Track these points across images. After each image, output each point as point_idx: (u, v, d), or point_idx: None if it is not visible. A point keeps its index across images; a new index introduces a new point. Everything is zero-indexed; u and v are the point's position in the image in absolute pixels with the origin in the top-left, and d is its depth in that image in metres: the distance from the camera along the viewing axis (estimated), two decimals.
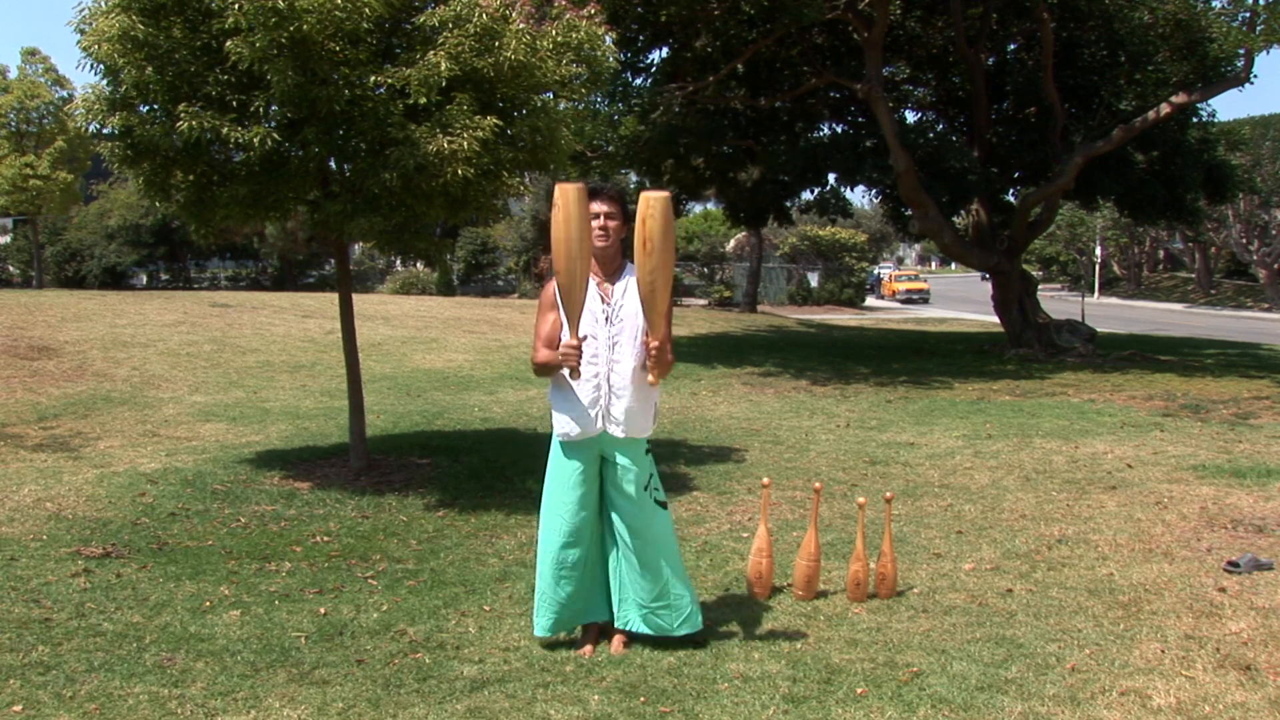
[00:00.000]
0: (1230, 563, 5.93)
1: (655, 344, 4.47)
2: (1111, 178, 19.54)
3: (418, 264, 45.87)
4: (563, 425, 4.69)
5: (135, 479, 8.14)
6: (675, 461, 9.06)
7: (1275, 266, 46.84)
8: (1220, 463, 8.88)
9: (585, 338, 4.54)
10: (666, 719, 4.05)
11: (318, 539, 6.61)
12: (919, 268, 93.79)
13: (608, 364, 4.64)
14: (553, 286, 4.54)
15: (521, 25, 7.35)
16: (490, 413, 11.94)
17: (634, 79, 20.06)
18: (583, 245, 4.36)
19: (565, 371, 4.57)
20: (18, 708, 4.11)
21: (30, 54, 36.34)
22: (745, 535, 6.62)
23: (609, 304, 4.66)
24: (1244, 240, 46.91)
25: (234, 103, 7.15)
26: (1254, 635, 4.90)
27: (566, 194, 4.33)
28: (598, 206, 4.61)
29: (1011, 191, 22.66)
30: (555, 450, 4.79)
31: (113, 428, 10.40)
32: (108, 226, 42.76)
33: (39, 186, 34.60)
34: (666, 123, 18.80)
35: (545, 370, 4.71)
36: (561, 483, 4.75)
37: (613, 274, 4.73)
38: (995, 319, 22.58)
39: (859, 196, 68.25)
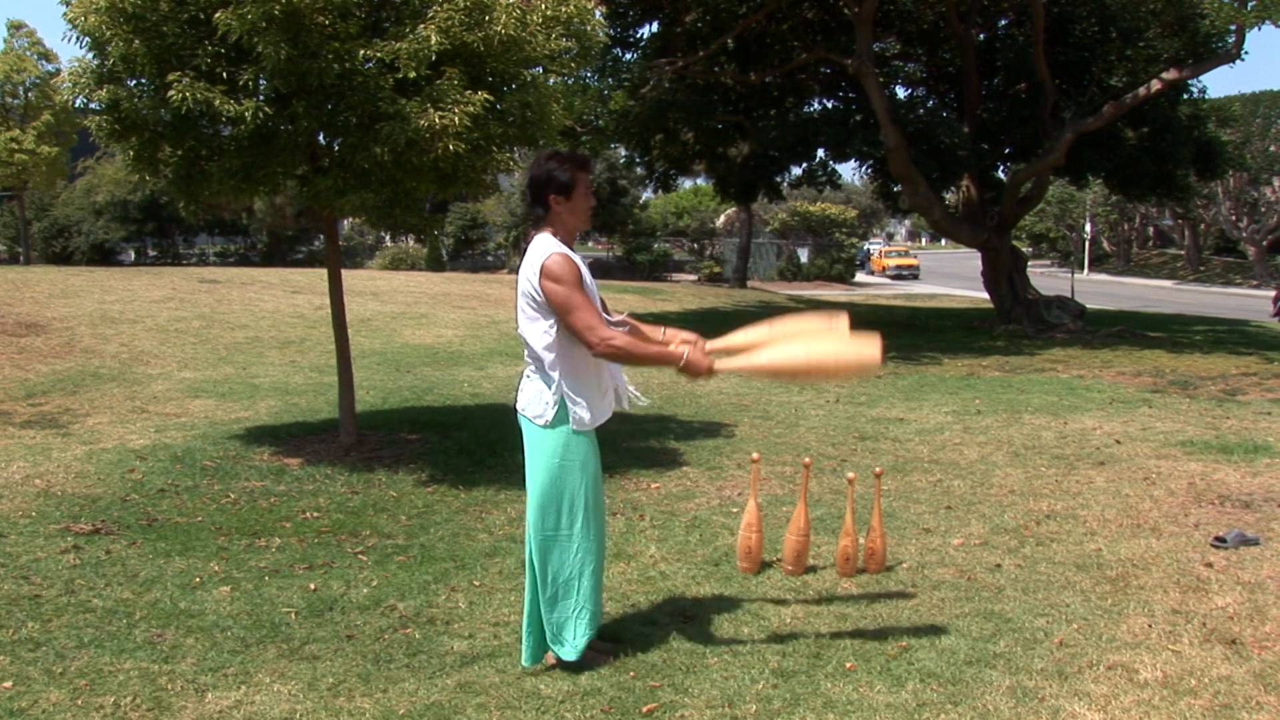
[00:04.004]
0: (1217, 538, 5.96)
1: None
2: (1102, 154, 19.57)
3: (407, 239, 45.83)
4: (586, 414, 4.17)
5: (124, 455, 8.12)
6: (665, 437, 9.07)
7: (1264, 243, 47.00)
8: (1208, 439, 8.91)
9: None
10: (656, 693, 4.06)
11: (307, 515, 6.61)
12: (909, 244, 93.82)
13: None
14: (575, 263, 4.10)
15: None
16: (480, 388, 11.93)
17: (624, 54, 20.04)
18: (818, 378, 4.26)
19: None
20: (8, 684, 4.11)
21: (16, 27, 36.11)
22: (735, 510, 6.63)
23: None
24: (1233, 217, 47.04)
25: (223, 75, 7.10)
26: (1240, 609, 4.93)
27: (871, 363, 4.23)
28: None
29: (1002, 167, 22.70)
30: (574, 446, 4.17)
31: (101, 404, 10.38)
32: (95, 202, 42.56)
33: (24, 161, 34.38)
34: (656, 98, 18.76)
35: (628, 358, 4.16)
36: (594, 476, 4.23)
37: None
38: (985, 295, 22.62)
39: (849, 172, 68.38)
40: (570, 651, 4.23)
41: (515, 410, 4.31)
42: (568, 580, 4.22)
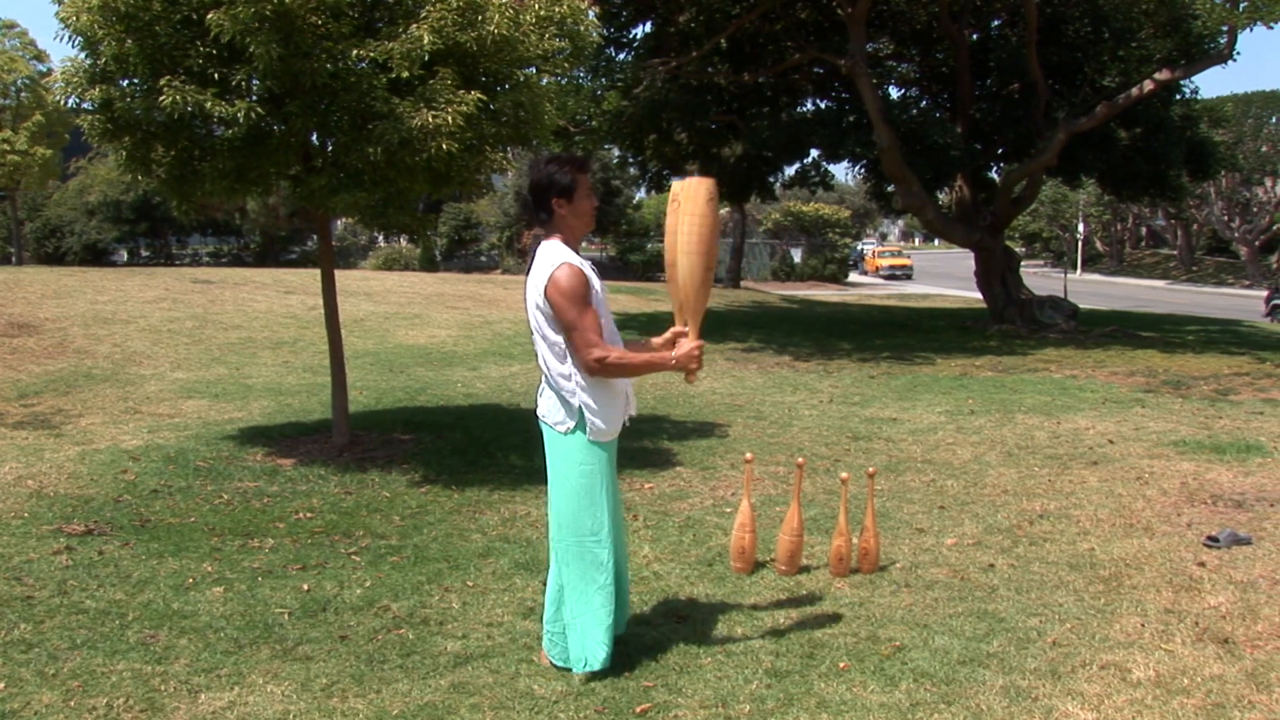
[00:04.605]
0: (1209, 538, 5.97)
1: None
2: (1094, 154, 19.60)
3: (400, 240, 45.80)
4: (605, 424, 4.17)
5: (117, 456, 8.11)
6: (658, 437, 9.07)
7: (1256, 243, 47.10)
8: (1200, 438, 8.93)
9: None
10: (650, 693, 4.06)
11: (301, 515, 6.60)
12: (902, 244, 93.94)
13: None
14: (584, 277, 4.08)
15: None
16: (473, 389, 11.93)
17: (617, 54, 20.04)
18: (714, 240, 4.21)
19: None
20: (0, 685, 4.10)
21: (8, 27, 36.01)
22: (728, 510, 6.64)
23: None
24: (1225, 217, 47.14)
25: (215, 76, 7.09)
26: (1232, 609, 4.94)
27: (705, 187, 4.21)
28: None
29: (995, 168, 22.71)
30: (590, 456, 4.17)
31: (94, 405, 10.35)
32: (88, 203, 42.45)
33: (16, 162, 34.26)
34: (650, 98, 18.75)
35: (623, 371, 4.14)
36: (606, 487, 4.22)
37: None
38: (978, 295, 22.64)
39: (843, 172, 68.60)
40: (596, 660, 4.20)
41: (535, 417, 4.30)
42: (600, 588, 4.21)
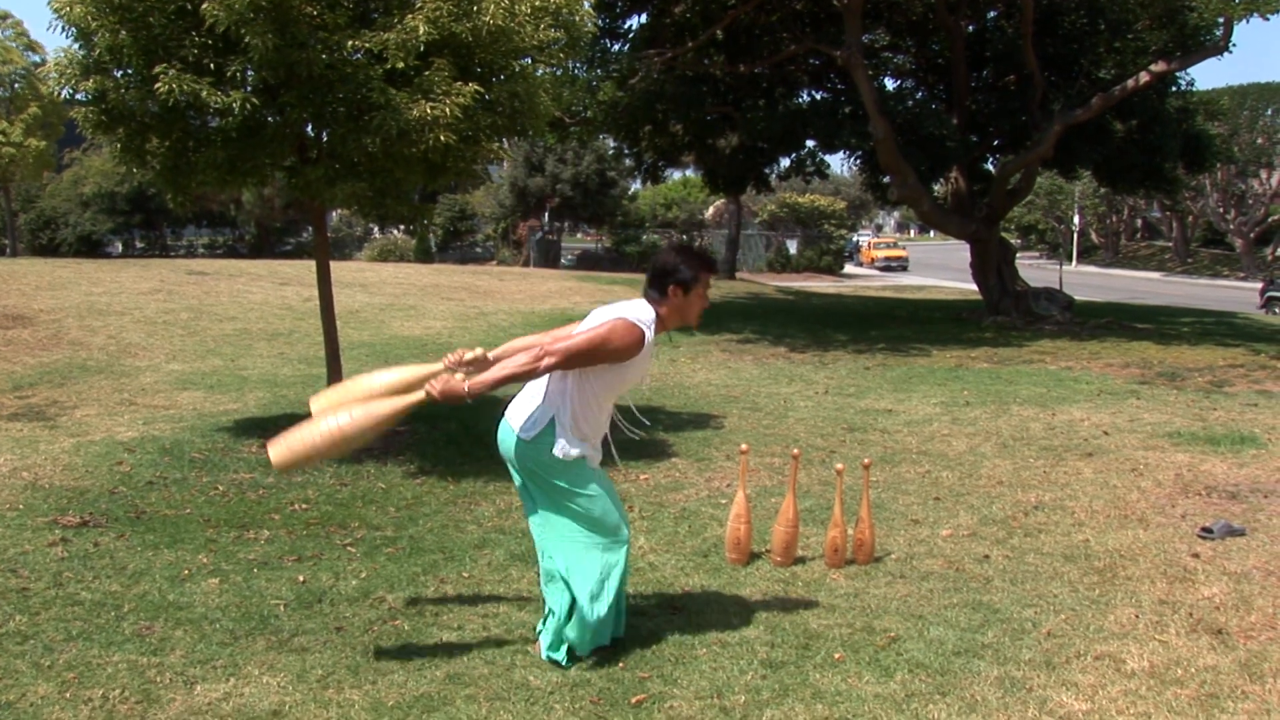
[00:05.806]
0: (1204, 529, 5.99)
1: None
2: (1090, 146, 19.57)
3: (396, 230, 45.77)
4: (577, 450, 4.20)
5: (112, 448, 8.10)
6: (654, 429, 9.06)
7: (1251, 235, 47.13)
8: (1195, 430, 8.94)
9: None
10: (645, 685, 4.07)
11: (296, 507, 6.60)
12: (898, 235, 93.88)
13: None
14: (639, 348, 4.08)
15: None
16: None
17: (613, 45, 19.98)
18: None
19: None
20: None
21: (2, 18, 35.90)
22: (724, 501, 6.64)
23: None
24: (1221, 209, 47.16)
25: (211, 66, 7.08)
26: (1226, 600, 4.96)
27: None
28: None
29: (990, 159, 22.69)
30: (580, 466, 4.23)
31: (89, 396, 10.34)
32: (83, 194, 42.40)
33: (11, 154, 34.17)
34: (645, 89, 18.71)
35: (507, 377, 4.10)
36: (603, 484, 4.31)
37: None
38: (973, 287, 22.64)
39: (838, 163, 68.49)
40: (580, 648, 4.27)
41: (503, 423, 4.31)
42: (604, 587, 4.24)
